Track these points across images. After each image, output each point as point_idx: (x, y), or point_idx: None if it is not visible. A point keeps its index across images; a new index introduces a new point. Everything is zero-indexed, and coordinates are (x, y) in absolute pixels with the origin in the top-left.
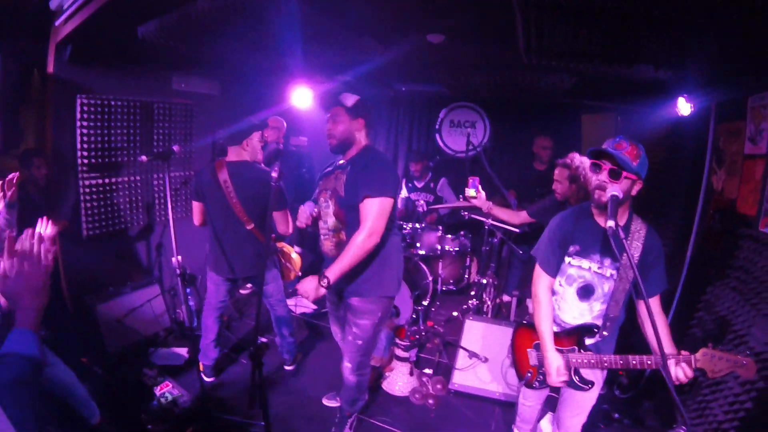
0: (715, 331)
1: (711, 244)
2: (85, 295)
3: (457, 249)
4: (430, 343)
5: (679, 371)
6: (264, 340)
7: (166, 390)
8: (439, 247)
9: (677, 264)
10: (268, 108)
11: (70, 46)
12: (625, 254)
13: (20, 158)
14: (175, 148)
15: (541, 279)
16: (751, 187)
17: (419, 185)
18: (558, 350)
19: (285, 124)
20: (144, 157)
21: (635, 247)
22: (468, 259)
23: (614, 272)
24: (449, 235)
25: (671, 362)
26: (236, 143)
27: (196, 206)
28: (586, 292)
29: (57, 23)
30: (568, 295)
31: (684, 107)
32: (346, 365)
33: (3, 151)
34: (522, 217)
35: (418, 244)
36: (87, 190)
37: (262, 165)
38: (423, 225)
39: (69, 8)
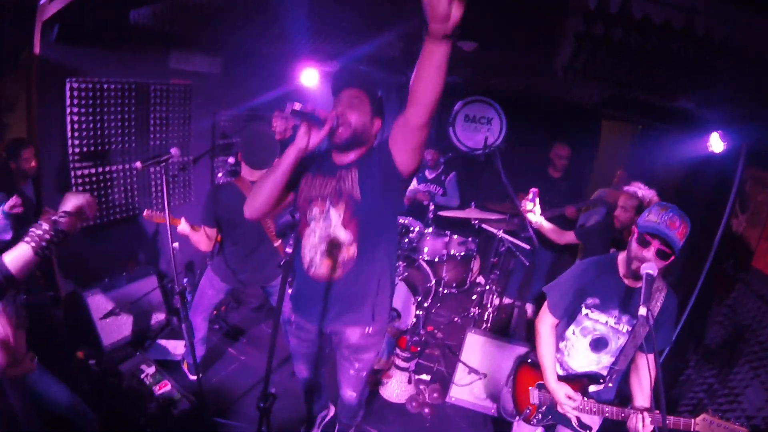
0: (710, 379)
1: (721, 288)
2: (79, 287)
3: (463, 254)
4: (429, 349)
5: None
6: (274, 390)
7: (165, 390)
8: (445, 251)
9: (683, 298)
10: (272, 87)
11: (57, 25)
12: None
13: (7, 150)
14: (173, 151)
15: (546, 318)
16: None
17: (430, 176)
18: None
19: None
20: (138, 164)
21: (654, 308)
22: (472, 262)
23: (630, 328)
24: (456, 237)
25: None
26: (260, 168)
27: (209, 232)
28: (598, 345)
29: (42, 1)
30: (580, 345)
31: (717, 144)
32: (350, 394)
33: None
34: (567, 237)
35: (425, 249)
36: (79, 180)
37: None
38: (431, 230)
39: None
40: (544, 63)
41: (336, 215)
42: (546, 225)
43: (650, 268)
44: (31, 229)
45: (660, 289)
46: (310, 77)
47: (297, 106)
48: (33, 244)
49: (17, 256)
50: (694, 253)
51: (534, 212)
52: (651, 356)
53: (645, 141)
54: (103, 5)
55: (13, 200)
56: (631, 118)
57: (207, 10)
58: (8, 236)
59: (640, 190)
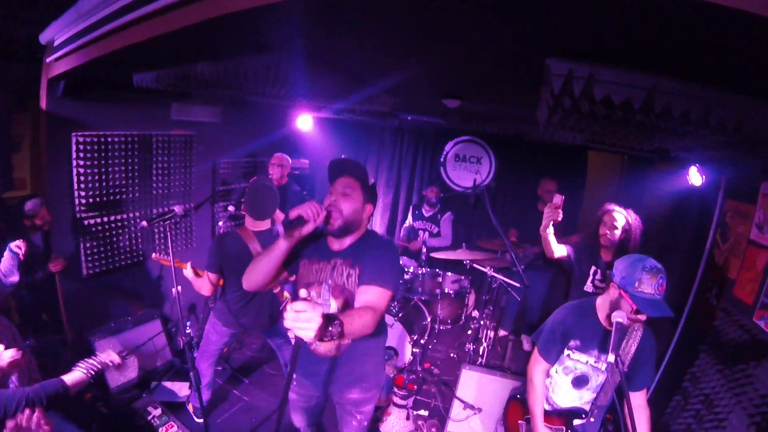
0: (697, 405)
1: (704, 318)
2: (86, 332)
3: (456, 290)
4: (427, 386)
5: None
6: None
7: None
8: (439, 290)
9: (669, 329)
10: (269, 133)
11: (63, 81)
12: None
13: (22, 208)
14: (177, 209)
15: (538, 365)
16: (751, 275)
17: (426, 214)
18: (548, 427)
19: (290, 160)
20: (144, 223)
21: (630, 347)
22: (466, 298)
23: (608, 366)
24: (449, 275)
25: None
26: (262, 219)
27: (212, 278)
28: (580, 382)
29: (48, 60)
30: (563, 383)
31: (696, 178)
32: None
33: None
34: (561, 251)
35: (420, 288)
36: (86, 229)
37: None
38: (425, 270)
39: (61, 48)
40: (526, 114)
41: (334, 302)
42: (551, 236)
43: (620, 316)
44: (87, 362)
45: (636, 329)
46: (305, 122)
47: (292, 214)
48: (88, 373)
49: (76, 379)
50: (679, 284)
51: (556, 219)
52: (636, 394)
53: (632, 171)
54: (107, 69)
55: (19, 242)
56: (615, 150)
57: (208, 77)
58: (15, 279)
59: (630, 216)
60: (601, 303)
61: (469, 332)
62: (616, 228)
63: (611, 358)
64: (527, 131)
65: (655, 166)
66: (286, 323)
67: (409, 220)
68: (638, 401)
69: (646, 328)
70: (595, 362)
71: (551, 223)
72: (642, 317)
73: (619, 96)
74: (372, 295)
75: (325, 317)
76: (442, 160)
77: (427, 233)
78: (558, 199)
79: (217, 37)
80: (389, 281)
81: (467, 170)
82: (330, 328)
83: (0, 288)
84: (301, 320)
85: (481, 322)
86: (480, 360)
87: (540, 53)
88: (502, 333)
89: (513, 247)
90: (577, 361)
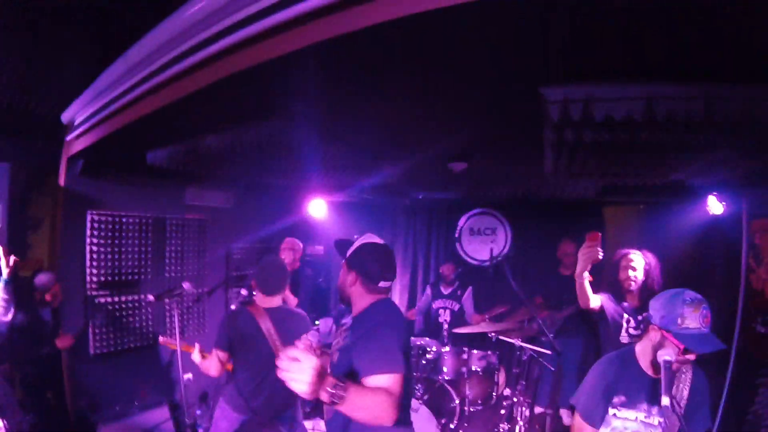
0: None
1: (755, 348)
2: (90, 413)
3: (484, 367)
4: None
5: None
6: None
7: None
8: (465, 369)
9: (719, 368)
10: (282, 218)
11: (81, 160)
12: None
13: (34, 282)
14: (185, 285)
15: (583, 431)
16: None
17: (445, 291)
18: None
19: (301, 245)
20: (151, 297)
21: (682, 392)
22: (496, 375)
23: (662, 420)
24: (475, 352)
25: None
26: (273, 294)
27: (221, 355)
28: None
29: (68, 138)
30: None
31: (715, 207)
32: None
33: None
34: (596, 301)
35: (444, 369)
36: (96, 308)
37: (290, 305)
38: (449, 348)
39: (80, 126)
40: (534, 170)
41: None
42: (586, 281)
43: (667, 354)
44: None
45: (685, 371)
46: (317, 208)
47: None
48: None
49: None
50: (720, 318)
51: (596, 259)
52: None
53: (649, 219)
54: (123, 145)
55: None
56: (630, 201)
57: (216, 151)
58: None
59: (647, 257)
60: (642, 350)
61: (502, 412)
62: (637, 269)
63: (665, 401)
64: (538, 189)
65: (672, 208)
66: (279, 373)
67: (429, 298)
68: None
69: (696, 368)
70: (645, 417)
71: (589, 265)
72: (691, 357)
73: (619, 111)
74: (379, 381)
75: (323, 372)
76: (456, 235)
77: (448, 311)
78: (594, 235)
79: (223, 104)
80: (391, 364)
81: (483, 243)
82: (331, 389)
83: None
84: (293, 370)
85: (515, 399)
86: None
87: (533, 83)
88: (538, 410)
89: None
90: (626, 419)
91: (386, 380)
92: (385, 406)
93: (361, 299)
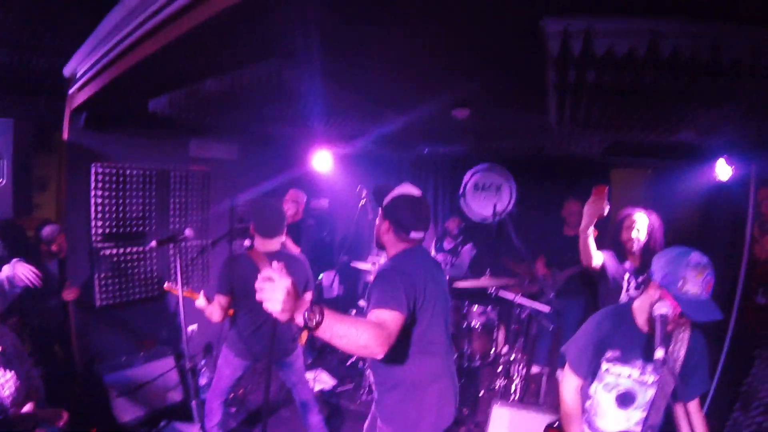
0: (758, 418)
1: (754, 320)
2: (97, 364)
3: (483, 323)
4: (456, 426)
5: None
6: None
7: None
8: (465, 323)
9: (717, 336)
10: (286, 171)
11: (85, 113)
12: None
13: (41, 236)
14: (188, 232)
15: (569, 381)
16: None
17: (447, 246)
18: None
19: (305, 197)
20: (154, 243)
21: (678, 351)
22: (495, 332)
23: (656, 378)
24: (475, 308)
25: None
26: (271, 236)
27: (222, 300)
28: (625, 400)
29: (71, 91)
30: (606, 403)
31: (724, 171)
32: None
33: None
34: (599, 259)
35: None
36: (101, 260)
37: (288, 248)
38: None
39: (82, 77)
40: (539, 121)
41: None
42: (591, 237)
43: (663, 306)
44: None
45: (683, 330)
46: (322, 161)
47: None
48: None
49: None
50: (721, 286)
51: (602, 215)
52: (691, 403)
53: (657, 183)
54: (124, 94)
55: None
56: (638, 163)
57: (218, 96)
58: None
59: (652, 218)
60: (639, 306)
61: (499, 369)
62: (640, 230)
63: (659, 354)
64: (543, 144)
65: (680, 173)
66: (258, 294)
67: (432, 251)
68: (693, 410)
69: (694, 329)
70: (639, 375)
71: (594, 219)
72: (685, 320)
73: (622, 46)
74: (376, 316)
75: (296, 293)
76: (461, 191)
77: (449, 266)
78: (600, 189)
79: (221, 44)
80: (391, 302)
81: (487, 199)
82: (306, 313)
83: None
84: (267, 289)
85: (512, 357)
86: (512, 397)
87: (535, 18)
88: (535, 369)
89: (539, 274)
90: (619, 375)
91: (384, 315)
92: (373, 336)
93: (393, 247)
